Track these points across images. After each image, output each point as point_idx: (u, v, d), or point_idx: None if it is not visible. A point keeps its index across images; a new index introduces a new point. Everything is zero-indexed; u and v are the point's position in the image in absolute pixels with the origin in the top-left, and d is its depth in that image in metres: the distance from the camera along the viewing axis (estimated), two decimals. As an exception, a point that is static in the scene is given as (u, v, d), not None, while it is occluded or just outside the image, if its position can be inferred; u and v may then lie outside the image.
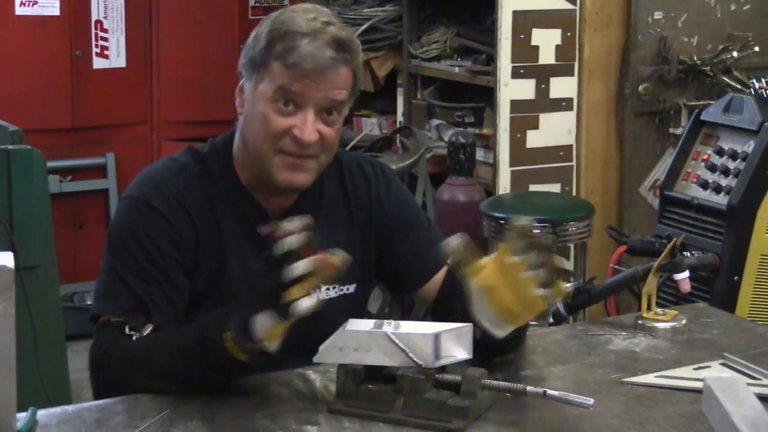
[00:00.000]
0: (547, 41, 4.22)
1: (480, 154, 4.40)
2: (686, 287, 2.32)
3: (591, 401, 1.70)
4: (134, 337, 1.88)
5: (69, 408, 1.82)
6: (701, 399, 1.80)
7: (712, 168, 3.53)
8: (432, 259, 2.14)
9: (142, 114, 5.21)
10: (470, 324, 1.80)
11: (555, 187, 4.31)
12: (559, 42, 4.25)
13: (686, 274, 2.31)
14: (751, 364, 1.96)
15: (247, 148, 2.02)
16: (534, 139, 4.27)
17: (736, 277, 3.38)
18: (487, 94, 4.40)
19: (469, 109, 4.65)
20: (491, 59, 4.32)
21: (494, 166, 4.28)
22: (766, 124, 3.39)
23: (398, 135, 4.73)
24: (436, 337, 1.75)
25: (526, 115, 4.25)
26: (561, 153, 4.32)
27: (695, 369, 1.97)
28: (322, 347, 1.79)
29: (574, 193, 4.34)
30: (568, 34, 4.25)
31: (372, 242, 2.15)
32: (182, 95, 5.21)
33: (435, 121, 4.71)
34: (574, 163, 4.34)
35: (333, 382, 1.83)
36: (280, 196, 2.04)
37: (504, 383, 1.77)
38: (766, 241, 3.39)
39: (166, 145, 5.14)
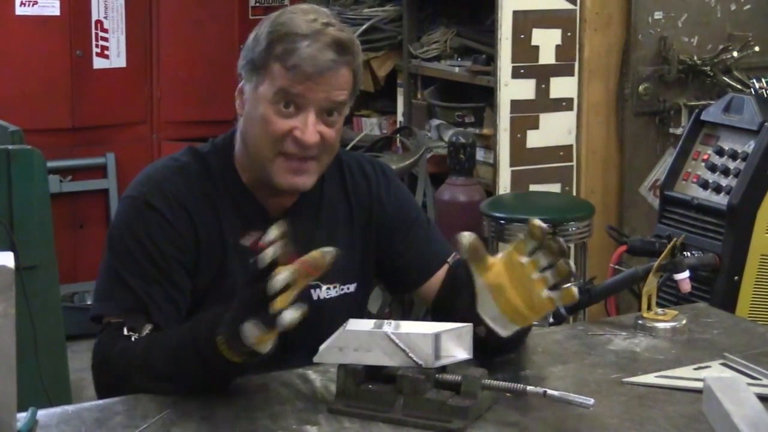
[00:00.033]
0: (547, 41, 4.22)
1: (480, 154, 4.40)
2: (686, 287, 2.32)
3: (591, 401, 1.70)
4: (133, 338, 1.88)
5: (69, 408, 1.82)
6: (701, 399, 1.80)
7: (712, 168, 3.53)
8: (432, 258, 2.14)
9: (142, 114, 5.21)
10: (470, 324, 1.80)
11: (555, 187, 4.32)
12: (559, 42, 4.25)
13: (686, 274, 2.31)
14: (751, 364, 1.96)
15: (247, 149, 2.02)
16: (534, 139, 4.27)
17: (736, 277, 3.38)
18: (487, 94, 4.40)
19: (470, 109, 4.65)
20: (491, 59, 4.32)
21: (494, 166, 4.28)
22: (766, 124, 3.39)
23: (398, 135, 4.73)
24: (436, 337, 1.75)
25: (526, 115, 4.25)
26: (561, 153, 4.32)
27: (695, 369, 1.97)
28: (322, 347, 1.79)
29: (574, 193, 4.34)
30: (569, 34, 4.25)
31: (372, 241, 2.15)
32: (182, 95, 5.22)
33: (435, 121, 4.71)
34: (574, 163, 4.34)
35: (333, 382, 1.83)
36: (281, 196, 2.05)
37: (504, 383, 1.77)
38: (766, 241, 3.39)
39: (166, 145, 5.14)
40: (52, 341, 3.22)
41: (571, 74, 4.28)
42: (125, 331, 1.88)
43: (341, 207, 2.14)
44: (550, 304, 1.78)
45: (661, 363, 2.01)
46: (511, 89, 4.21)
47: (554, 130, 4.29)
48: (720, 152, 3.52)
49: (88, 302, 4.83)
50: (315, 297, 2.07)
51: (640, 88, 4.32)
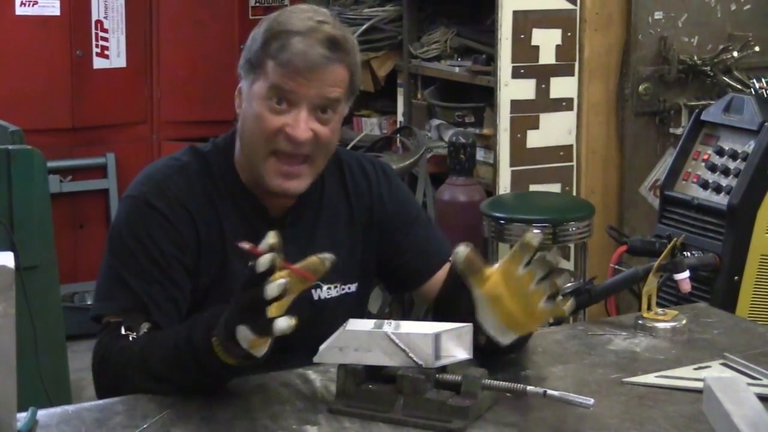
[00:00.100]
0: (547, 41, 4.22)
1: (480, 154, 4.40)
2: (686, 287, 2.32)
3: (591, 401, 1.70)
4: (130, 337, 1.88)
5: (69, 408, 1.82)
6: (701, 399, 1.80)
7: (713, 168, 3.53)
8: (433, 258, 2.14)
9: (142, 114, 5.21)
10: (470, 324, 1.80)
11: (555, 187, 4.31)
12: (559, 42, 4.25)
13: (686, 274, 2.31)
14: (751, 364, 1.96)
15: (243, 149, 2.03)
16: (534, 139, 4.27)
17: (736, 277, 3.38)
18: (488, 94, 4.40)
19: (470, 109, 4.65)
20: (491, 59, 4.32)
21: (494, 166, 4.28)
22: (766, 124, 3.39)
23: (398, 135, 4.73)
24: (437, 337, 1.75)
25: (526, 115, 4.24)
26: (561, 153, 4.32)
27: (695, 369, 1.97)
28: (322, 347, 1.79)
29: (574, 193, 4.34)
30: (569, 34, 4.25)
31: (373, 241, 2.15)
32: (182, 95, 5.22)
33: (435, 121, 4.71)
34: (574, 163, 4.34)
35: (333, 382, 1.83)
36: (280, 196, 2.04)
37: (504, 383, 1.77)
38: (766, 241, 3.39)
39: (166, 145, 5.14)
40: (52, 341, 3.22)
41: (571, 74, 4.28)
42: (123, 330, 1.88)
43: (342, 207, 2.14)
44: (548, 314, 1.78)
45: (661, 363, 2.01)
46: (511, 89, 4.21)
47: (554, 130, 4.29)
48: (720, 152, 3.52)
49: (88, 302, 4.83)
50: (315, 297, 2.06)
51: (640, 88, 4.32)
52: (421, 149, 4.37)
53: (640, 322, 2.18)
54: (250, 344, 1.68)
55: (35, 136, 3.80)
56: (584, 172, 4.35)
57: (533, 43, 4.21)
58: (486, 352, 1.84)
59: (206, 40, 5.19)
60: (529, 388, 1.75)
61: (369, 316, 2.38)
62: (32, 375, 3.00)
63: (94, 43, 5.00)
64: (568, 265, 4.24)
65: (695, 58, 4.32)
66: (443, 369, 1.77)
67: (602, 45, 4.32)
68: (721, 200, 3.44)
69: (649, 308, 2.19)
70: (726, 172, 3.48)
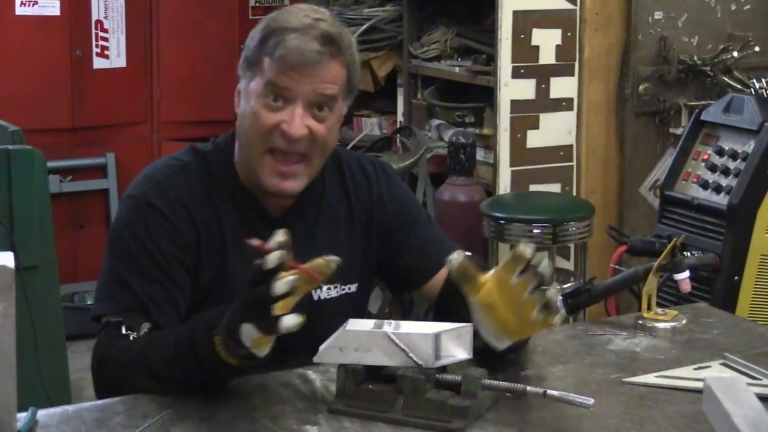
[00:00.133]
0: (547, 41, 4.22)
1: (480, 154, 4.40)
2: (686, 287, 2.32)
3: (591, 401, 1.70)
4: (131, 337, 1.88)
5: (69, 408, 1.82)
6: (701, 399, 1.80)
7: (713, 168, 3.53)
8: (434, 257, 2.13)
9: (142, 114, 5.21)
10: (470, 324, 1.80)
11: (555, 187, 4.31)
12: (559, 42, 4.25)
13: (686, 274, 2.31)
14: (751, 364, 1.96)
15: (241, 148, 2.03)
16: (534, 139, 4.26)
17: (736, 277, 3.38)
18: (488, 94, 4.40)
19: (470, 109, 4.65)
20: (491, 59, 4.31)
21: (494, 166, 4.28)
22: (766, 124, 3.39)
23: (398, 135, 4.73)
24: (437, 337, 1.75)
25: (526, 115, 4.24)
26: (561, 153, 4.32)
27: (695, 369, 1.97)
28: (322, 347, 1.79)
29: (574, 193, 4.33)
30: (569, 34, 4.25)
31: (373, 241, 2.15)
32: (182, 95, 5.22)
33: (435, 121, 4.71)
34: (574, 163, 4.34)
35: (333, 382, 1.83)
36: (279, 196, 2.04)
37: (504, 383, 1.77)
38: (766, 241, 3.39)
39: (166, 145, 5.14)
40: (52, 341, 3.22)
41: (571, 74, 4.28)
42: (123, 330, 1.88)
43: (342, 207, 2.13)
44: (540, 324, 1.78)
45: (661, 363, 2.01)
46: (511, 89, 4.21)
47: (554, 130, 4.29)
48: (720, 152, 3.52)
49: (88, 302, 4.83)
50: (315, 297, 2.06)
51: (640, 88, 4.32)
52: (421, 149, 4.37)
53: (640, 322, 2.18)
54: (254, 343, 1.68)
55: (35, 136, 3.80)
56: (584, 172, 4.35)
57: (533, 43, 4.21)
58: (484, 354, 1.83)
59: (206, 40, 5.19)
60: (529, 388, 1.75)
61: (369, 316, 2.38)
62: (32, 375, 3.00)
63: (94, 43, 5.00)
64: (568, 265, 4.25)
65: (695, 58, 4.32)
66: (443, 369, 1.77)
67: (602, 45, 4.32)
68: (721, 200, 3.44)
69: (649, 308, 2.19)
70: (726, 172, 3.48)
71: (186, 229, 1.99)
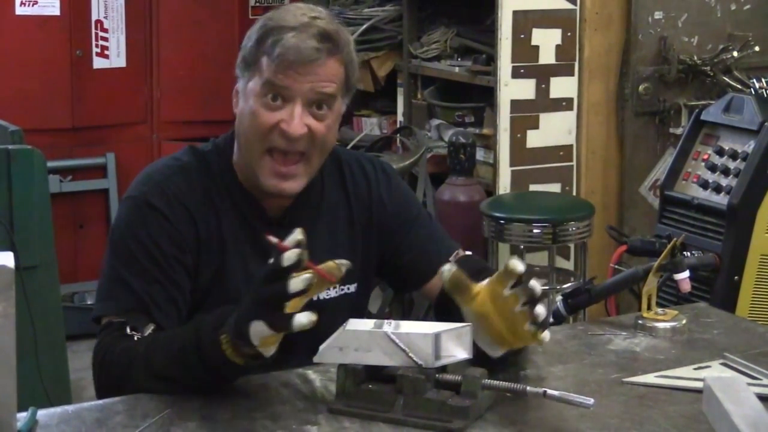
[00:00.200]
0: (547, 41, 4.22)
1: (480, 154, 4.40)
2: (686, 287, 2.32)
3: (591, 401, 1.70)
4: (135, 338, 1.88)
5: (69, 408, 1.82)
6: (701, 399, 1.80)
7: (713, 168, 3.53)
8: (434, 257, 2.13)
9: (142, 114, 5.21)
10: (470, 324, 1.80)
11: (555, 187, 4.32)
12: (559, 42, 4.25)
13: (686, 274, 2.31)
14: (751, 364, 1.96)
15: (240, 148, 2.03)
16: (534, 139, 4.27)
17: (736, 277, 3.38)
18: (487, 94, 4.40)
19: (469, 109, 4.65)
20: (491, 59, 4.32)
21: (494, 166, 4.28)
22: (766, 124, 3.39)
23: (398, 135, 4.73)
24: (437, 337, 1.75)
25: (526, 115, 4.25)
26: (561, 153, 4.32)
27: (695, 369, 1.97)
28: (322, 347, 1.79)
29: (574, 193, 4.34)
30: (569, 34, 4.25)
31: (373, 241, 2.15)
32: (182, 95, 5.22)
33: (435, 121, 4.71)
34: (574, 163, 4.34)
35: (333, 382, 1.83)
36: (278, 197, 2.04)
37: (504, 383, 1.77)
38: (766, 241, 3.39)
39: (166, 145, 5.14)
40: (52, 341, 3.22)
41: (571, 74, 4.28)
42: (128, 331, 1.88)
43: (341, 207, 2.13)
44: (532, 337, 1.77)
45: (661, 363, 2.01)
46: (511, 89, 4.21)
47: (554, 130, 4.29)
48: (720, 152, 3.52)
49: (88, 302, 4.83)
50: (315, 297, 2.06)
51: (640, 88, 4.32)
52: (421, 149, 4.38)
53: (640, 322, 2.18)
54: (262, 342, 1.68)
55: (35, 136, 3.80)
56: (584, 172, 4.35)
57: (533, 43, 4.21)
58: (481, 360, 1.83)
59: (206, 40, 5.19)
60: (529, 388, 1.75)
61: (369, 316, 2.38)
62: (32, 375, 3.01)
63: (94, 43, 5.00)
64: (568, 265, 4.25)
65: (695, 58, 4.32)
66: (443, 369, 1.77)
67: (602, 45, 4.32)
68: (721, 200, 3.44)
69: (649, 308, 2.19)
70: (726, 172, 3.48)
71: (186, 229, 1.99)
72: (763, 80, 3.76)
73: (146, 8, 5.12)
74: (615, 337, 2.14)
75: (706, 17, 4.37)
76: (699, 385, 1.83)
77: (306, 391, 1.86)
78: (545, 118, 4.27)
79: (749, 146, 3.44)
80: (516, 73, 4.20)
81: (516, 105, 4.22)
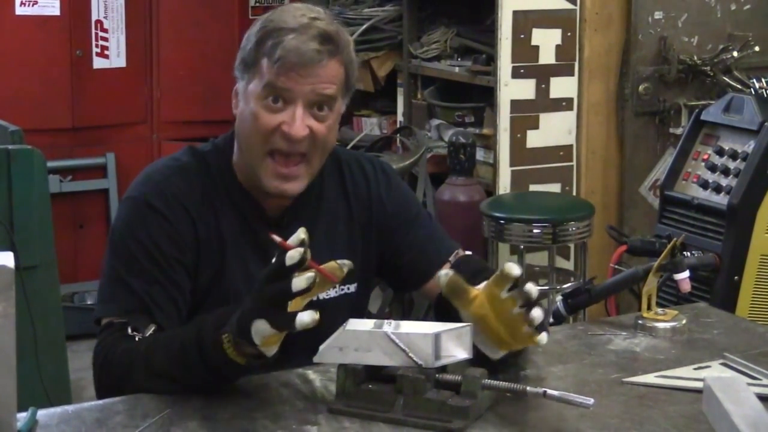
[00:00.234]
0: (547, 41, 4.22)
1: (480, 154, 4.40)
2: (686, 287, 2.32)
3: (591, 401, 1.70)
4: (137, 338, 1.88)
5: (69, 408, 1.82)
6: (701, 399, 1.80)
7: (713, 168, 3.53)
8: (434, 257, 2.14)
9: (142, 114, 5.21)
10: (470, 324, 1.80)
11: (555, 187, 4.32)
12: (559, 42, 4.25)
13: (686, 274, 2.31)
14: (751, 364, 1.96)
15: (241, 150, 2.02)
16: (534, 139, 4.27)
17: (736, 277, 3.38)
18: (487, 94, 4.40)
19: (469, 109, 4.65)
20: (491, 59, 4.32)
21: (494, 166, 4.28)
22: (766, 124, 3.39)
23: (398, 135, 4.73)
24: (436, 337, 1.75)
25: (526, 115, 4.25)
26: (561, 153, 4.32)
27: (695, 369, 1.97)
28: (322, 347, 1.79)
29: (574, 193, 4.34)
30: (569, 34, 4.25)
31: (373, 241, 2.15)
32: (182, 95, 5.22)
33: (435, 121, 4.71)
34: (574, 163, 4.34)
35: (333, 382, 1.83)
36: (278, 197, 2.04)
37: (504, 383, 1.77)
38: (766, 241, 3.39)
39: (166, 145, 5.14)
40: (52, 341, 3.22)
41: (571, 74, 4.28)
42: (129, 331, 1.88)
43: (341, 207, 2.13)
44: (531, 339, 1.77)
45: (661, 363, 2.01)
46: (511, 89, 4.21)
47: (554, 130, 4.29)
48: (720, 152, 3.52)
49: (89, 302, 4.84)
50: (315, 297, 2.06)
51: (640, 88, 4.32)
52: (421, 149, 4.37)
53: (640, 322, 2.18)
54: (263, 341, 1.68)
55: (35, 136, 3.80)
56: (584, 172, 4.35)
57: (533, 43, 4.21)
58: (481, 361, 1.83)
59: (206, 40, 5.20)
60: (529, 388, 1.75)
61: (369, 316, 2.38)
62: (32, 375, 3.01)
63: (94, 43, 5.00)
64: (568, 265, 4.25)
65: (695, 58, 4.32)
66: (443, 369, 1.77)
67: (602, 45, 4.32)
68: (721, 200, 3.44)
69: (649, 308, 2.19)
70: (726, 172, 3.48)
71: (185, 230, 1.99)
72: (763, 80, 3.76)
73: (146, 8, 5.12)
74: (615, 337, 2.14)
75: (706, 17, 4.37)
76: (699, 385, 1.83)
77: (306, 391, 1.86)
78: (545, 118, 4.27)
79: (749, 146, 3.44)
80: (516, 73, 4.20)
81: (516, 105, 4.22)
